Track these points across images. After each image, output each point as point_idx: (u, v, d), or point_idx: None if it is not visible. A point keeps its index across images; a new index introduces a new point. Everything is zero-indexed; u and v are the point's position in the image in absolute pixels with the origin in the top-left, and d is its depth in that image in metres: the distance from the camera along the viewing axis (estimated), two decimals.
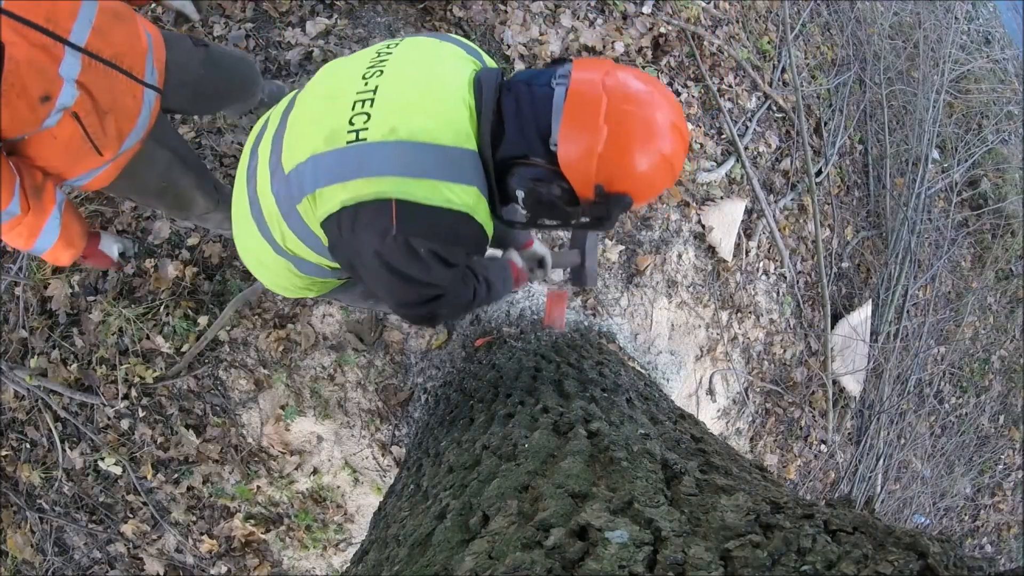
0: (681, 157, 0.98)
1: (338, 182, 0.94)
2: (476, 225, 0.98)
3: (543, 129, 0.94)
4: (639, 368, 2.19)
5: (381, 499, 1.55)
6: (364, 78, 0.98)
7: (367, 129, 0.93)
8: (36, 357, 2.19)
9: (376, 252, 0.96)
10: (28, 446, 2.28)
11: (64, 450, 2.26)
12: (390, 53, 1.02)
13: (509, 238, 1.52)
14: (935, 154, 4.02)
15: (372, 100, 0.95)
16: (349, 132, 0.94)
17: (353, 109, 0.95)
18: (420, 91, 0.96)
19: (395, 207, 0.91)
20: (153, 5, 1.45)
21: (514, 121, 0.96)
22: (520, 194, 0.99)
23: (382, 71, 0.98)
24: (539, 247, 1.58)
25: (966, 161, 4.16)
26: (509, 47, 2.52)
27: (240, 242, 1.26)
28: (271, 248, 1.16)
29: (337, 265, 1.12)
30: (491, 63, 1.11)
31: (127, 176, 1.34)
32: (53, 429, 2.24)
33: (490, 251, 1.35)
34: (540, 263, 1.59)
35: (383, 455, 2.30)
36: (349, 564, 1.09)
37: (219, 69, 1.50)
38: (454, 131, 0.94)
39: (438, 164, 0.92)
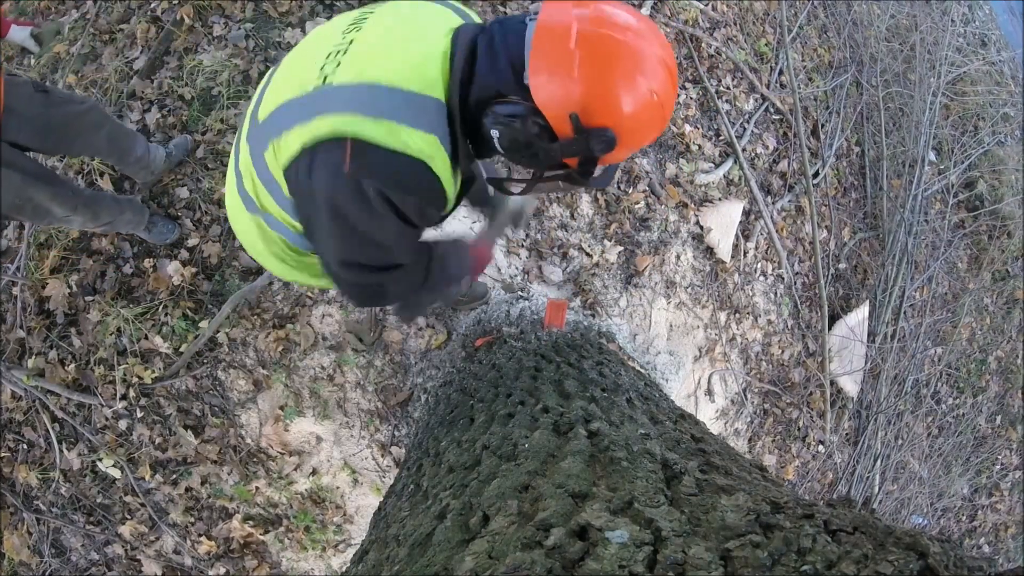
0: (672, 97, 0.91)
1: (299, 123, 0.93)
2: (432, 176, 0.94)
3: (516, 64, 0.90)
4: (639, 368, 2.19)
5: (381, 499, 1.55)
6: (343, 33, 0.98)
7: (335, 74, 0.92)
8: (34, 357, 2.19)
9: (327, 197, 0.93)
10: (25, 447, 2.28)
11: (62, 451, 2.25)
12: (372, 12, 1.01)
13: (495, 197, 1.51)
14: (932, 156, 4.04)
15: (346, 50, 0.94)
16: (318, 78, 0.93)
17: (327, 59, 0.94)
18: (395, 38, 0.94)
19: (349, 145, 0.89)
20: None
21: (486, 59, 0.92)
22: (495, 133, 0.94)
23: (361, 27, 0.98)
24: (516, 199, 1.55)
25: (963, 163, 4.17)
26: None
27: (228, 206, 1.28)
28: (244, 206, 1.16)
29: (300, 226, 1.10)
30: (478, 20, 1.07)
31: None
32: (51, 430, 2.24)
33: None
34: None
35: (382, 455, 2.30)
36: (349, 564, 1.09)
37: (63, 107, 1.70)
38: (421, 76, 0.91)
39: (399, 107, 0.90)
